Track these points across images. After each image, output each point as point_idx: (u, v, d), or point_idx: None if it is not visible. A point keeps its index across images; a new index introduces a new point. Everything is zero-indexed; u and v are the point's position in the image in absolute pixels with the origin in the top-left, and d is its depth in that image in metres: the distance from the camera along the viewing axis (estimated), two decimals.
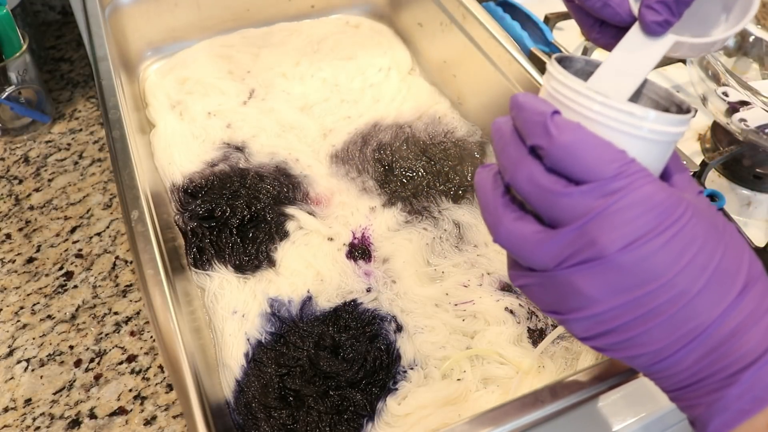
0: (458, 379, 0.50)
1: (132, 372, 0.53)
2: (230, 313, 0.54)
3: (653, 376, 0.30)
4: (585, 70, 0.33)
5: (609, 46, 0.36)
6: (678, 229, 0.27)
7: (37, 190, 0.68)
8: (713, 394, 0.28)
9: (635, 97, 0.33)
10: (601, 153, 0.27)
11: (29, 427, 0.50)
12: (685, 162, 0.60)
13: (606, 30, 0.37)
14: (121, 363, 0.54)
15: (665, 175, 0.31)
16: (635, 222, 0.26)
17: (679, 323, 0.27)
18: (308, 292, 0.56)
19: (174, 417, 0.50)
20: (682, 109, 0.31)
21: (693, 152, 0.70)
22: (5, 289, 0.59)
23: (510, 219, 0.30)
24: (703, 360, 0.28)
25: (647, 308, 0.27)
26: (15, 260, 0.61)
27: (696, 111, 0.30)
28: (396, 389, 0.49)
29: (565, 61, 0.33)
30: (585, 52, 0.76)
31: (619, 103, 0.28)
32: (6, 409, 0.51)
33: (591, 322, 0.29)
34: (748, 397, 0.27)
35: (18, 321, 0.57)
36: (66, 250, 0.62)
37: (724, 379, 0.28)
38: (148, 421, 0.50)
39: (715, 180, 0.67)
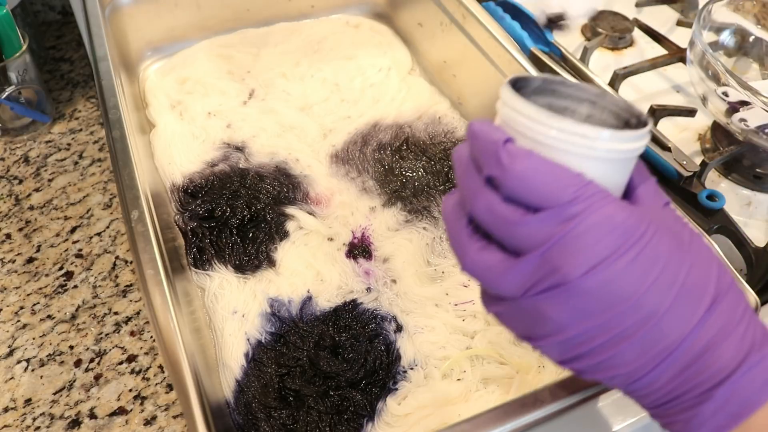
0: (458, 379, 0.50)
1: (132, 372, 0.53)
2: (230, 313, 0.54)
3: (632, 395, 0.30)
4: (544, 89, 0.32)
5: None
6: (640, 248, 0.27)
7: (37, 190, 0.68)
8: (689, 411, 0.28)
9: (592, 108, 0.33)
10: (556, 178, 0.27)
11: (29, 427, 0.50)
12: (685, 162, 0.60)
13: None
14: (121, 363, 0.54)
15: (629, 189, 0.31)
16: (596, 245, 0.26)
17: (649, 343, 0.27)
18: (308, 292, 0.56)
19: (174, 417, 0.50)
20: (641, 121, 0.31)
21: (693, 152, 0.70)
22: (5, 289, 0.59)
23: (475, 249, 0.29)
24: (677, 378, 0.28)
25: (616, 331, 0.27)
26: (15, 260, 0.61)
27: (652, 123, 0.30)
28: (396, 389, 0.49)
29: (521, 82, 0.32)
30: (585, 52, 0.76)
31: (571, 126, 0.27)
32: (6, 409, 0.51)
33: (562, 347, 0.29)
34: (723, 414, 0.27)
35: (18, 321, 0.57)
36: (66, 250, 0.62)
37: (698, 396, 0.28)
38: (148, 421, 0.50)
39: (715, 180, 0.67)
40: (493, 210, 0.28)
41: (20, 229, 0.64)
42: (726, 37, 0.73)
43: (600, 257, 0.26)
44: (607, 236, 0.26)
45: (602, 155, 0.28)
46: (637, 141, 0.28)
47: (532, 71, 0.64)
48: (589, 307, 0.27)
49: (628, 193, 0.31)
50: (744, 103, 0.61)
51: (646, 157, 0.60)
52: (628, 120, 0.32)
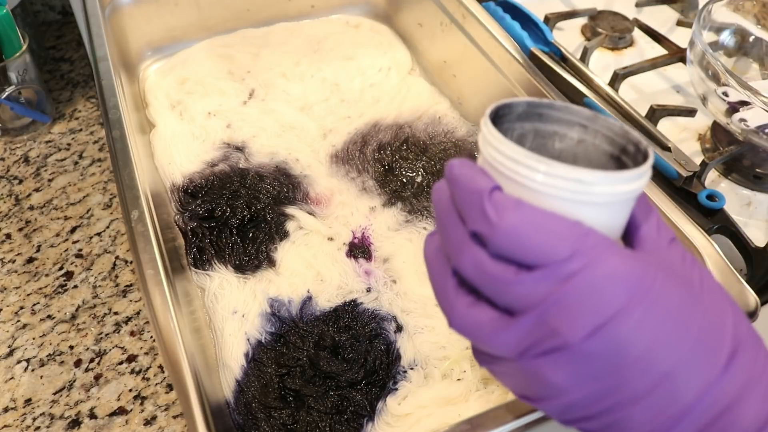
0: (458, 379, 0.50)
1: (132, 372, 0.53)
2: (230, 313, 0.54)
3: None
4: (529, 114, 0.30)
5: None
6: (649, 304, 0.24)
7: (37, 190, 0.68)
8: None
9: (584, 132, 0.30)
10: (551, 233, 0.24)
11: (29, 427, 0.50)
12: (685, 162, 0.60)
13: None
14: (121, 363, 0.54)
15: (631, 228, 0.28)
16: (599, 306, 0.24)
17: (663, 406, 0.25)
18: (308, 292, 0.56)
19: (174, 417, 0.50)
20: (640, 149, 0.28)
21: (693, 152, 0.70)
22: (5, 289, 0.59)
23: (463, 305, 0.27)
24: None
25: (625, 394, 0.25)
26: (15, 260, 0.61)
27: (653, 153, 0.27)
28: (396, 389, 0.49)
29: (503, 109, 0.29)
30: (585, 52, 0.76)
31: (564, 170, 0.25)
32: (6, 409, 0.51)
33: (565, 410, 0.26)
34: None
35: (18, 321, 0.57)
36: (66, 250, 0.62)
37: None
38: (148, 421, 0.50)
39: (715, 180, 0.67)
40: (482, 268, 0.25)
41: (20, 229, 0.64)
42: (726, 37, 0.73)
43: (604, 318, 0.24)
44: (611, 294, 0.24)
45: (600, 200, 0.25)
46: (638, 180, 0.26)
47: (532, 71, 0.64)
48: (594, 370, 0.24)
49: (630, 233, 0.28)
50: (744, 103, 0.61)
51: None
52: (625, 147, 0.29)
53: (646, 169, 0.26)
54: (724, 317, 0.26)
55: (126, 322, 0.56)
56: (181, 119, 0.72)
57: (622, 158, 0.29)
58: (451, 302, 0.27)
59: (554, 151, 0.31)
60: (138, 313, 0.57)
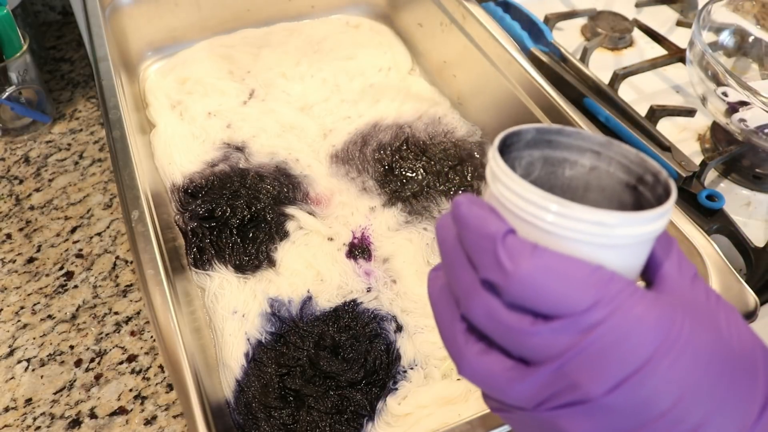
0: (458, 379, 0.50)
1: (132, 372, 0.53)
2: (230, 312, 0.54)
3: None
4: (538, 140, 0.29)
5: None
6: (677, 352, 0.22)
7: (37, 190, 0.68)
8: None
9: (596, 159, 0.29)
10: (571, 281, 0.22)
11: (30, 426, 0.50)
12: (684, 162, 0.60)
13: None
14: (121, 363, 0.54)
15: (651, 265, 0.27)
16: (623, 358, 0.22)
17: None
18: (308, 292, 0.56)
19: (174, 417, 0.50)
20: (659, 180, 0.26)
21: (693, 152, 0.70)
22: (6, 289, 0.59)
23: (473, 353, 0.25)
24: None
25: None
26: (15, 260, 0.61)
27: (675, 186, 0.25)
28: (396, 389, 0.49)
29: (511, 138, 0.27)
30: (585, 52, 0.76)
31: (583, 212, 0.23)
32: (6, 409, 0.51)
33: None
34: None
35: (18, 321, 0.57)
36: (66, 250, 0.62)
37: None
38: (149, 421, 0.50)
39: (714, 180, 0.67)
40: (495, 317, 0.24)
41: (21, 229, 0.64)
42: (725, 38, 0.73)
43: (629, 370, 0.22)
44: (636, 345, 0.22)
45: (621, 242, 0.24)
46: (662, 219, 0.24)
47: (532, 71, 0.64)
48: (617, 425, 0.23)
49: (650, 271, 0.27)
50: (743, 104, 0.61)
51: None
52: (642, 176, 0.27)
53: (669, 207, 0.24)
54: (755, 361, 0.24)
55: (126, 322, 0.56)
56: (182, 119, 0.72)
57: (639, 188, 0.28)
58: (461, 349, 0.26)
59: (564, 178, 0.30)
60: (138, 313, 0.57)
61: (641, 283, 0.26)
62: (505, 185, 0.25)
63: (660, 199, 0.26)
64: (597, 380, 0.22)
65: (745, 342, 0.24)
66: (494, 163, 0.25)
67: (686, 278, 0.26)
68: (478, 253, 0.24)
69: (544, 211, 0.23)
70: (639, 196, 0.28)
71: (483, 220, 0.24)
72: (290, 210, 0.62)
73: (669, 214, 0.24)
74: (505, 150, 0.27)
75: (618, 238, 0.23)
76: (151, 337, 0.55)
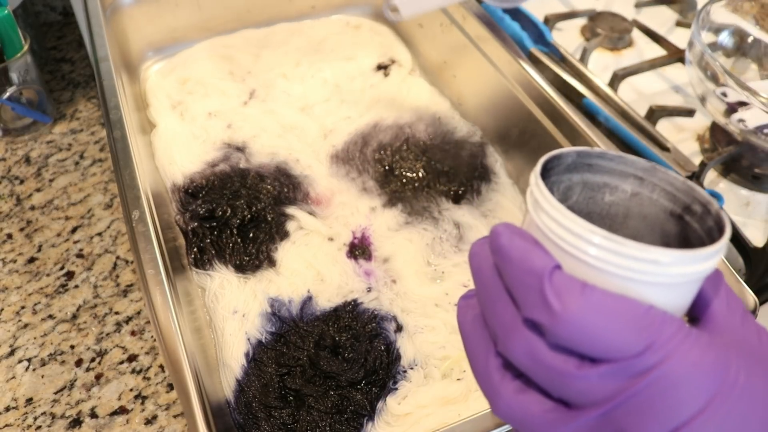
0: (458, 379, 0.50)
1: (133, 371, 0.53)
2: (231, 312, 0.54)
3: None
4: (578, 164, 0.27)
5: None
6: (733, 401, 0.21)
7: (38, 190, 0.68)
8: None
9: (639, 185, 0.27)
10: (623, 323, 0.21)
11: (30, 426, 0.50)
12: (683, 162, 0.60)
13: None
14: (121, 362, 0.54)
15: (699, 302, 0.25)
16: (676, 407, 0.21)
17: None
18: (308, 292, 0.56)
19: (174, 416, 0.51)
20: (710, 211, 0.25)
21: (692, 152, 0.70)
22: (6, 288, 0.59)
23: (510, 391, 0.24)
24: None
25: None
26: (16, 260, 0.61)
27: (728, 220, 0.24)
28: (396, 389, 0.50)
29: (552, 162, 0.26)
30: (584, 53, 0.76)
31: (637, 250, 0.22)
32: (7, 409, 0.51)
33: None
34: None
35: (19, 320, 0.57)
36: (67, 250, 0.62)
37: None
38: (149, 421, 0.50)
39: (713, 180, 0.67)
40: (538, 359, 0.22)
41: (21, 229, 0.64)
42: (725, 38, 0.73)
43: (683, 419, 0.21)
44: (691, 393, 0.21)
45: (673, 281, 0.22)
46: (717, 256, 0.23)
47: (532, 72, 0.64)
48: None
49: (698, 308, 0.25)
50: (742, 104, 0.61)
51: (645, 158, 0.60)
52: (689, 206, 0.26)
53: (725, 243, 0.23)
54: None
55: (127, 322, 0.56)
56: (182, 119, 0.72)
57: (685, 217, 0.26)
58: (496, 387, 0.24)
59: (603, 204, 0.28)
60: (139, 312, 0.57)
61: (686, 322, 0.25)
62: (550, 216, 0.23)
63: (710, 232, 0.25)
64: (646, 429, 0.21)
65: None
66: (537, 190, 0.24)
67: (736, 316, 0.25)
68: (522, 289, 0.23)
69: (593, 246, 0.22)
70: (685, 226, 0.26)
71: (527, 253, 0.23)
72: (290, 210, 0.62)
73: (723, 252, 0.23)
74: (545, 174, 0.26)
75: (671, 277, 0.22)
76: (152, 336, 0.55)
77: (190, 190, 0.64)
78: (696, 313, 0.25)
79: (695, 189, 0.26)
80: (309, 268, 0.58)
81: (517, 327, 0.23)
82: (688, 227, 0.26)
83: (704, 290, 0.25)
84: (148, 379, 0.53)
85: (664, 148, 0.61)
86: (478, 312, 0.25)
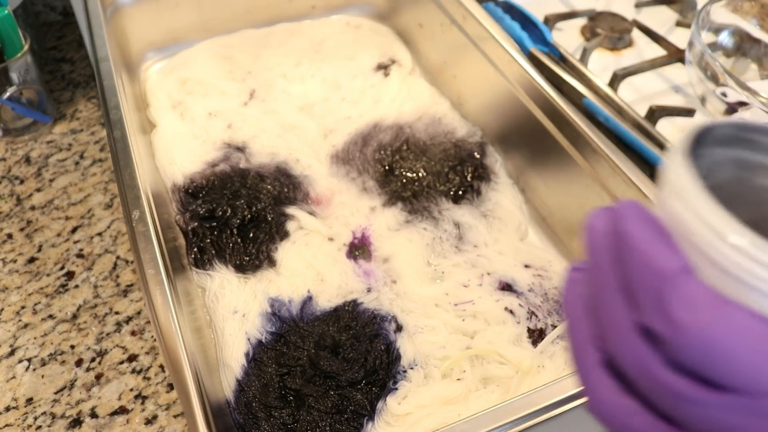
0: (458, 379, 0.50)
1: (133, 371, 0.53)
2: (231, 312, 0.54)
3: None
4: (733, 139, 0.22)
5: None
6: None
7: (38, 190, 0.68)
8: None
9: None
10: (759, 352, 0.18)
11: (30, 426, 0.50)
12: None
13: None
14: (122, 362, 0.54)
15: None
16: None
17: None
18: (308, 292, 0.56)
19: (175, 416, 0.51)
20: None
21: None
22: (7, 288, 0.59)
23: (607, 389, 0.21)
24: None
25: None
26: (16, 260, 0.61)
27: None
28: (396, 389, 0.50)
29: (703, 135, 0.21)
30: (584, 52, 0.76)
31: None
32: (8, 408, 0.51)
33: None
34: None
35: (19, 320, 0.57)
36: (67, 250, 0.62)
37: None
38: (149, 421, 0.50)
39: None
40: (648, 372, 0.20)
41: (21, 229, 0.64)
42: (725, 38, 0.73)
43: None
44: None
45: None
46: None
47: (532, 72, 0.64)
48: None
49: None
50: (742, 104, 0.61)
51: (645, 158, 0.60)
52: None
53: None
54: None
55: (127, 322, 0.56)
56: (182, 119, 0.72)
57: None
58: (594, 381, 0.22)
59: (756, 188, 0.24)
60: (139, 312, 0.57)
61: None
62: (690, 208, 0.19)
63: None
64: None
65: None
66: (676, 171, 0.20)
67: None
68: (642, 290, 0.19)
69: (736, 251, 0.18)
70: None
71: (654, 247, 0.19)
72: (291, 210, 0.62)
73: None
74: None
75: None
76: (152, 336, 0.55)
77: (190, 190, 0.64)
78: None
79: None
80: (309, 268, 0.58)
81: (630, 332, 0.20)
82: None
83: None
84: (149, 379, 0.53)
85: (664, 148, 0.61)
86: (588, 291, 0.22)
